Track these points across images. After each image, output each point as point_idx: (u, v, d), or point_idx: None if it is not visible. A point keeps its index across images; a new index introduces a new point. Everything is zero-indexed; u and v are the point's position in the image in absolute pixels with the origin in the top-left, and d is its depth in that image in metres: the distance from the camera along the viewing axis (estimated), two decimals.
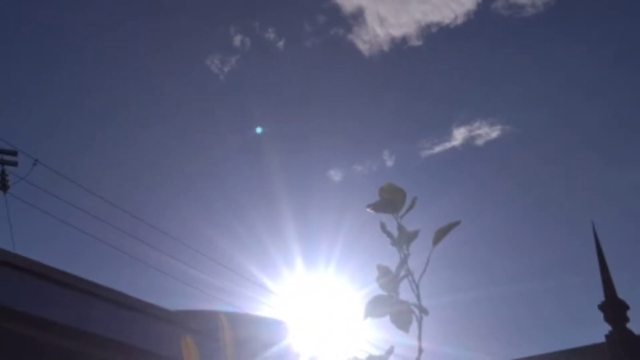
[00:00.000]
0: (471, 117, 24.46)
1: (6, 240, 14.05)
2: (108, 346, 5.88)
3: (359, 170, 24.24)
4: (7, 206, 13.45)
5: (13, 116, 22.80)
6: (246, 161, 24.26)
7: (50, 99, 23.97)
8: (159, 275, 15.66)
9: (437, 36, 22.29)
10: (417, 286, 1.69)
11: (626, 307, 13.77)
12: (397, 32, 21.96)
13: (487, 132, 22.76)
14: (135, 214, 18.20)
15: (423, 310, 1.68)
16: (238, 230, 19.75)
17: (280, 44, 23.52)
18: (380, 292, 1.73)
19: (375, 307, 1.71)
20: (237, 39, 23.41)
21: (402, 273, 1.71)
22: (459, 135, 23.45)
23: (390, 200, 1.74)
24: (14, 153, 13.51)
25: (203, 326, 6.30)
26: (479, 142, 23.08)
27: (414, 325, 1.69)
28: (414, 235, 1.72)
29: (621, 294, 13.78)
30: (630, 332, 13.41)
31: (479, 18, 21.81)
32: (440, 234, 1.72)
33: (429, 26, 21.74)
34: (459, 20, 21.42)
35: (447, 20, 21.54)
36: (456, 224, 1.72)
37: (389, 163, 23.58)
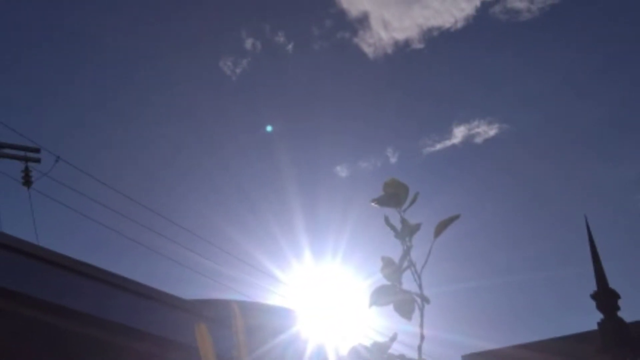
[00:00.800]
0: (470, 116, 24.52)
1: (30, 233, 14.02)
2: (126, 333, 5.88)
3: (364, 167, 24.14)
4: (30, 201, 13.46)
5: (36, 115, 22.82)
6: (257, 158, 24.32)
7: (72, 98, 23.91)
8: (175, 266, 15.70)
9: (438, 39, 22.36)
10: (419, 276, 1.70)
11: (617, 297, 13.78)
12: (400, 36, 22.01)
13: (486, 130, 22.85)
14: (152, 208, 18.05)
15: (425, 299, 1.69)
16: (250, 223, 20.16)
17: (290, 47, 23.44)
18: (385, 282, 1.74)
19: (380, 296, 1.72)
20: (249, 42, 23.33)
21: (405, 264, 1.71)
22: (459, 133, 23.51)
23: (393, 195, 1.74)
24: (37, 150, 13.54)
25: (216, 314, 6.29)
26: (478, 140, 23.13)
27: (416, 314, 1.70)
28: (416, 228, 1.72)
29: (612, 284, 13.71)
30: (621, 320, 13.40)
31: (478, 22, 21.89)
32: (441, 227, 1.72)
33: (430, 30, 21.83)
34: (459, 25, 21.49)
35: (447, 25, 21.62)
36: (456, 217, 1.72)
37: (393, 160, 23.59)
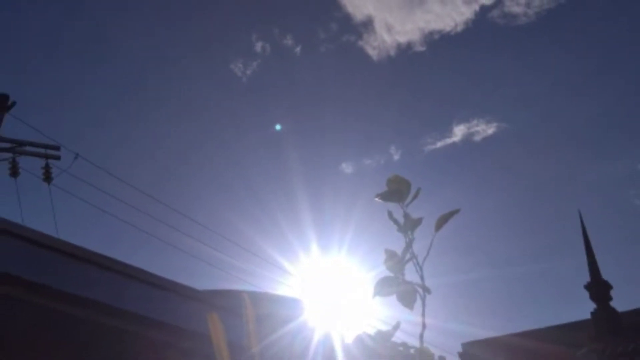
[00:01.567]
0: (470, 115, 24.52)
1: (50, 227, 13.63)
2: (141, 322, 5.88)
3: (369, 164, 24.10)
4: (50, 196, 13.44)
5: (56, 114, 22.83)
6: (266, 155, 24.20)
7: (89, 98, 23.91)
8: (189, 258, 15.57)
9: (439, 42, 22.39)
10: (420, 268, 1.70)
11: (609, 287, 13.69)
12: (402, 39, 21.99)
13: (484, 129, 22.85)
14: (167, 203, 18.26)
15: (426, 290, 1.69)
16: (259, 218, 19.85)
17: (298, 49, 23.44)
18: (388, 273, 1.74)
19: (383, 286, 1.72)
20: (259, 45, 23.37)
21: (407, 256, 1.71)
22: (459, 131, 23.50)
23: (396, 191, 1.74)
24: (57, 148, 13.50)
25: (228, 304, 6.25)
26: (477, 138, 23.13)
27: (418, 304, 1.70)
28: (417, 222, 1.73)
29: (605, 275, 13.63)
30: (613, 310, 13.35)
31: (477, 26, 21.94)
32: (442, 221, 1.72)
33: (431, 33, 21.80)
34: (459, 28, 21.52)
35: (448, 28, 21.65)
36: (456, 212, 1.72)
37: (396, 157, 23.53)
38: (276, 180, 23.83)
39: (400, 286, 1.71)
